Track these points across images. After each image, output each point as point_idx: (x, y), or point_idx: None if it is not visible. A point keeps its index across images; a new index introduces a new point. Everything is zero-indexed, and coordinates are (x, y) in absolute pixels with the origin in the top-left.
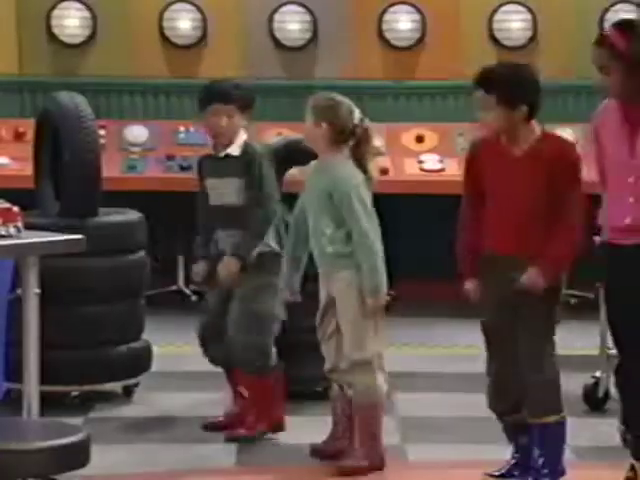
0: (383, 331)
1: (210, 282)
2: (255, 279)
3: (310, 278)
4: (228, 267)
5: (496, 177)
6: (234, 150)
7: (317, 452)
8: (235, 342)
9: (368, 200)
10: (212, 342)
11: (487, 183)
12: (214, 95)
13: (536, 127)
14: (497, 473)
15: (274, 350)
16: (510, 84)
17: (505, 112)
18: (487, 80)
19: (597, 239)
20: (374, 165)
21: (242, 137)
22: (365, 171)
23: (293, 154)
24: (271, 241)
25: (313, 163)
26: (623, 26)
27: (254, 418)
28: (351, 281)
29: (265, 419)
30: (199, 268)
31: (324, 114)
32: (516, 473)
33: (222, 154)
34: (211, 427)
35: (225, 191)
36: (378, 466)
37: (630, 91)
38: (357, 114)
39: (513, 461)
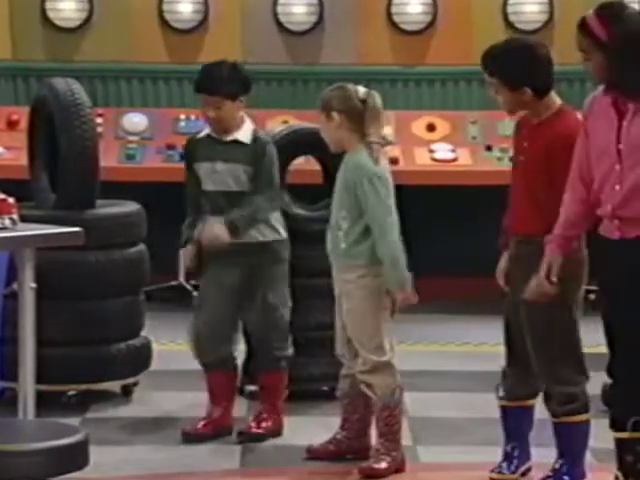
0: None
1: (200, 266)
2: (271, 270)
3: (319, 274)
4: (219, 233)
5: (515, 152)
6: (243, 137)
7: (312, 452)
8: (264, 343)
9: (388, 189)
10: (212, 343)
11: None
12: (200, 85)
13: (552, 102)
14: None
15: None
16: (511, 66)
17: (509, 94)
18: (488, 62)
19: None
20: (382, 148)
21: (248, 124)
22: (369, 144)
23: (298, 144)
24: (281, 229)
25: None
26: (602, 12)
27: (269, 416)
28: (363, 284)
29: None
30: (188, 251)
31: (331, 104)
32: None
33: (228, 138)
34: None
35: (228, 176)
36: (400, 467)
37: (613, 78)
38: (362, 89)
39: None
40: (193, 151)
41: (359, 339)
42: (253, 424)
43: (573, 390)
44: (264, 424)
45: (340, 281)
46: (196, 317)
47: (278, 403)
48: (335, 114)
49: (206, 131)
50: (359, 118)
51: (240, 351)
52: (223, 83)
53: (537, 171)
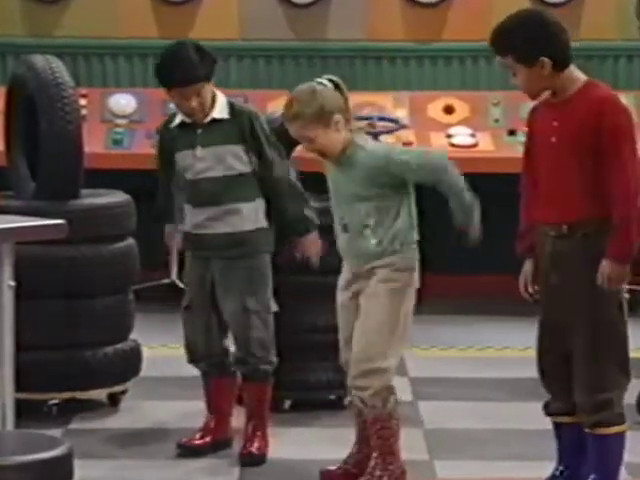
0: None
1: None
2: (246, 265)
3: (326, 271)
4: (315, 244)
5: (539, 135)
6: (219, 113)
7: (324, 475)
8: (242, 345)
9: None
10: (204, 348)
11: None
12: (174, 79)
13: (577, 76)
14: None
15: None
16: (522, 38)
17: (527, 71)
18: (497, 41)
19: None
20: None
21: (220, 97)
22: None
23: None
24: (262, 216)
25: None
26: None
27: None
28: (393, 277)
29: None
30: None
31: (328, 108)
32: None
33: (207, 120)
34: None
35: (214, 161)
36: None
37: None
38: (326, 80)
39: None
40: (171, 140)
41: (367, 338)
42: (255, 445)
43: (608, 396)
44: (264, 443)
45: (362, 281)
46: (185, 320)
47: (266, 418)
48: (338, 116)
49: (180, 118)
50: (347, 110)
51: None
52: (198, 67)
53: (577, 149)
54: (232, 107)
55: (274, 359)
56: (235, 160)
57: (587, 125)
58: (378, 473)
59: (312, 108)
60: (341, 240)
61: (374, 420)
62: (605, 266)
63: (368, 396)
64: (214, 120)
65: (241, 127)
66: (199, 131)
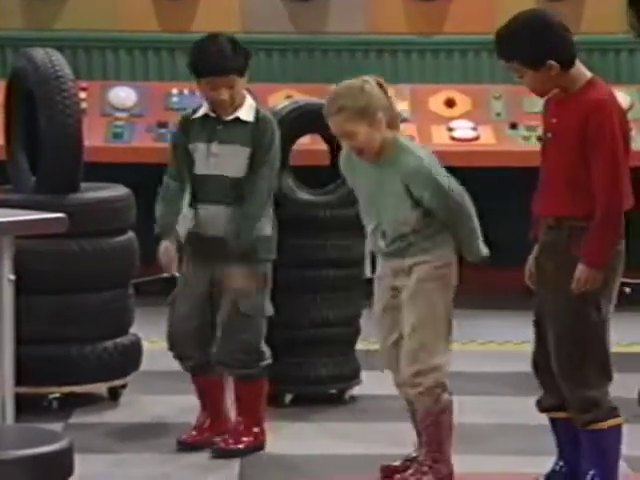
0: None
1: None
2: (243, 269)
3: (327, 265)
4: (243, 282)
5: (543, 131)
6: (245, 114)
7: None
8: (225, 345)
9: None
10: (187, 347)
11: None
12: (209, 67)
13: (581, 75)
14: None
15: (268, 351)
16: (528, 42)
17: (535, 74)
18: (501, 46)
19: None
20: None
21: (249, 100)
22: None
23: (302, 121)
24: (266, 224)
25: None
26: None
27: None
28: (427, 277)
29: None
30: (169, 249)
31: (373, 103)
32: None
33: (229, 117)
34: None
35: (227, 160)
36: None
37: None
38: (370, 78)
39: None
40: (188, 131)
41: (418, 340)
42: (230, 439)
43: (594, 394)
44: (244, 438)
45: (402, 277)
46: (170, 316)
47: (257, 414)
48: (381, 115)
49: (203, 110)
50: (390, 109)
51: None
52: (232, 59)
53: (568, 147)
54: (257, 112)
55: (260, 363)
56: (245, 163)
57: (577, 125)
58: (424, 468)
59: (359, 103)
60: (377, 242)
61: (425, 415)
62: (580, 270)
63: (418, 394)
64: (237, 120)
65: (259, 134)
66: (219, 127)
